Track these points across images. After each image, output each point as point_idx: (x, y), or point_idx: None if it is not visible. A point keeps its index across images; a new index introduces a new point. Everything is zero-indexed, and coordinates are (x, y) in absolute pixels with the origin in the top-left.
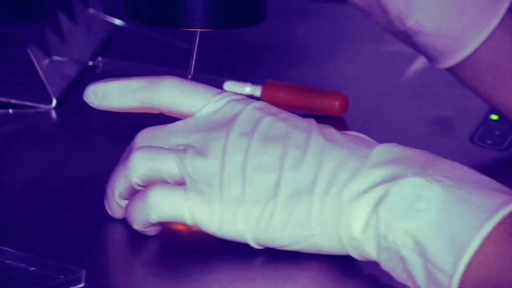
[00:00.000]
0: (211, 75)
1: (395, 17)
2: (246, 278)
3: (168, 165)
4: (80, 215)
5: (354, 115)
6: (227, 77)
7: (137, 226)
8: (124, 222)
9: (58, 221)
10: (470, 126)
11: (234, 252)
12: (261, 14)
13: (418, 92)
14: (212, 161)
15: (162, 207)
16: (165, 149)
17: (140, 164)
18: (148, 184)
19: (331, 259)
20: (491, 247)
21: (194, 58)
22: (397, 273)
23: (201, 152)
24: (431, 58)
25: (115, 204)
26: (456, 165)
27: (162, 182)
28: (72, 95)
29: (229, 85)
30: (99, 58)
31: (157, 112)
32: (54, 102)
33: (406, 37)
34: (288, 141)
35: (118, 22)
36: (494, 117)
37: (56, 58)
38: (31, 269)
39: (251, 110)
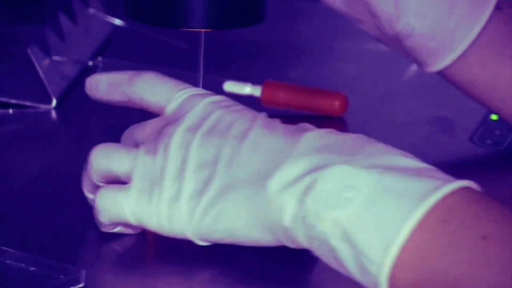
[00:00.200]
0: (211, 75)
1: (385, 20)
2: (247, 277)
3: (121, 163)
4: (80, 215)
5: (354, 115)
6: (227, 77)
7: (103, 229)
8: None
9: (58, 221)
10: (470, 126)
11: (234, 252)
12: (261, 14)
13: (418, 92)
14: (158, 158)
15: (108, 209)
16: (121, 147)
17: (95, 162)
18: (109, 181)
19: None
20: (425, 234)
21: (202, 58)
22: (329, 261)
23: (151, 150)
24: (423, 62)
25: (91, 201)
26: (387, 149)
27: (113, 183)
28: (72, 95)
29: (229, 85)
30: (99, 58)
31: (140, 107)
32: (54, 102)
33: (396, 42)
34: (228, 133)
35: (118, 22)
36: (494, 117)
37: (56, 58)
38: (31, 269)
39: (204, 105)
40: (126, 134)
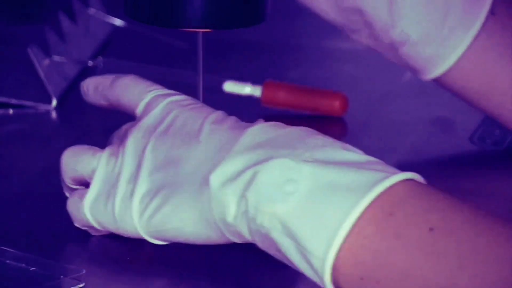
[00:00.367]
0: (211, 75)
1: (380, 29)
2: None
3: (87, 166)
4: None
5: (354, 115)
6: (227, 77)
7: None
8: None
9: (58, 221)
10: (470, 126)
11: (235, 253)
12: (261, 14)
13: (418, 92)
14: (118, 160)
15: (75, 215)
16: (89, 150)
17: (64, 165)
18: (81, 183)
19: None
20: (369, 227)
21: (201, 59)
22: (273, 253)
23: (113, 152)
24: (419, 70)
25: None
26: (329, 142)
27: (86, 184)
28: (72, 95)
29: (229, 85)
30: (99, 58)
31: (120, 110)
32: (54, 102)
33: (391, 51)
34: (180, 133)
35: (118, 22)
36: None
37: (56, 58)
38: (31, 269)
39: (163, 105)
40: (111, 136)
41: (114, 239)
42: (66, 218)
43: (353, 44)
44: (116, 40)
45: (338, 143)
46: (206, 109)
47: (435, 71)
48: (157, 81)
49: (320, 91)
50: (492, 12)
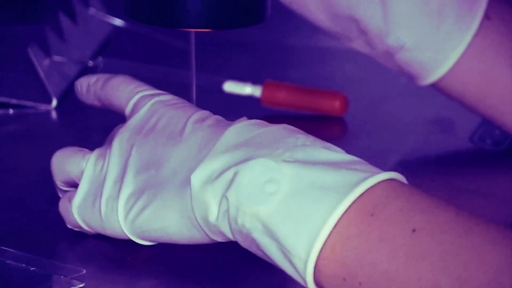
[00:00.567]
0: (211, 75)
1: (375, 36)
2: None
3: (76, 167)
4: None
5: (354, 115)
6: (227, 77)
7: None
8: None
9: (58, 221)
10: (470, 126)
11: (236, 252)
12: (261, 14)
13: (418, 92)
14: (106, 161)
15: (65, 217)
16: (79, 151)
17: (54, 167)
18: (72, 185)
19: None
20: (351, 228)
21: (194, 58)
22: (255, 252)
23: (102, 153)
24: (415, 76)
25: None
26: (309, 141)
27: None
28: (72, 95)
29: (229, 85)
30: (100, 58)
31: (112, 110)
32: (54, 102)
33: (387, 57)
34: (164, 133)
35: (118, 22)
36: None
37: (56, 58)
38: (31, 269)
39: (149, 105)
40: (108, 137)
41: (113, 239)
42: None
43: None
44: (116, 40)
45: (319, 142)
46: (191, 108)
47: (432, 77)
48: (157, 81)
49: (320, 91)
50: (487, 17)
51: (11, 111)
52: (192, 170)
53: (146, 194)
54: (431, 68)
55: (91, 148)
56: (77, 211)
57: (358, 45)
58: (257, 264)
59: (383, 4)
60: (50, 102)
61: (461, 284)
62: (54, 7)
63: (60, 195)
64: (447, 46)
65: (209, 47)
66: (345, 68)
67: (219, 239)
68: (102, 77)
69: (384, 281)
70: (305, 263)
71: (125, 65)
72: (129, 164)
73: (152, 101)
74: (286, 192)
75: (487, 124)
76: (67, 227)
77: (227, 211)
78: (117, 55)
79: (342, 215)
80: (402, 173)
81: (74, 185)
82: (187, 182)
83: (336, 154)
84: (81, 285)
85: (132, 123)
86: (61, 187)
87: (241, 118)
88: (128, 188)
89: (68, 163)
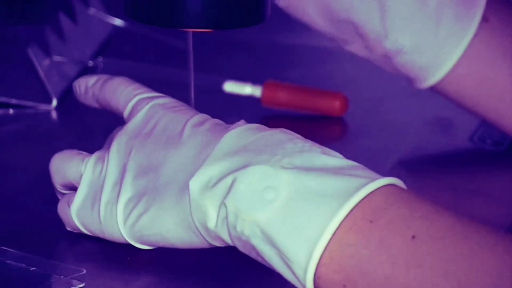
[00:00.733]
0: (211, 75)
1: (373, 40)
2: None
3: (75, 171)
4: None
5: (354, 115)
6: (227, 77)
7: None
8: None
9: (57, 221)
10: (470, 126)
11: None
12: (261, 14)
13: (418, 92)
14: (105, 164)
15: (64, 220)
16: (78, 155)
17: (53, 171)
18: (70, 188)
19: None
20: (351, 235)
21: (192, 58)
22: (254, 257)
23: (101, 157)
24: (414, 79)
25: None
26: (308, 146)
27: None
28: (72, 95)
29: (229, 85)
30: (100, 58)
31: (110, 112)
32: (54, 102)
33: (386, 61)
34: (162, 137)
35: (118, 22)
36: None
37: (56, 58)
38: (31, 269)
39: (147, 108)
40: (106, 140)
41: None
42: None
43: None
44: (116, 40)
45: (317, 147)
46: (190, 111)
47: (430, 80)
48: (157, 81)
49: (320, 91)
50: (485, 19)
51: (11, 111)
52: (190, 175)
53: (145, 199)
54: (430, 71)
55: (92, 148)
56: (76, 214)
57: (356, 48)
58: (257, 265)
59: (381, 8)
60: (50, 102)
61: None
62: (54, 7)
63: (59, 197)
64: (445, 49)
65: (209, 47)
66: (345, 68)
67: (218, 244)
68: (100, 78)
69: (382, 286)
70: (305, 270)
71: (125, 65)
72: (128, 167)
73: (150, 104)
74: (285, 199)
75: (487, 124)
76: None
77: (226, 218)
78: (117, 55)
79: (342, 221)
80: (402, 173)
81: (73, 188)
82: (185, 187)
83: (334, 159)
84: (81, 285)
85: (130, 126)
86: (60, 190)
87: (239, 122)
88: (127, 192)
89: (67, 166)
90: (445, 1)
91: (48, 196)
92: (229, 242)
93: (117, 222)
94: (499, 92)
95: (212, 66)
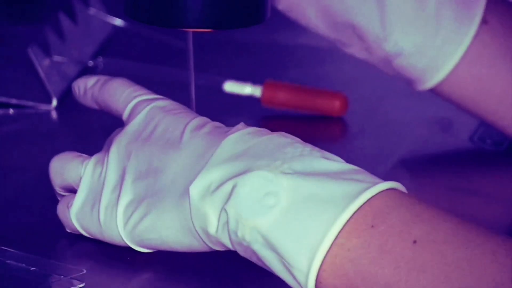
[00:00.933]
0: (211, 75)
1: (373, 42)
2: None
3: (75, 173)
4: None
5: (354, 115)
6: (227, 77)
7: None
8: None
9: (58, 221)
10: (470, 126)
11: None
12: (261, 14)
13: (418, 92)
14: (104, 167)
15: (64, 221)
16: (78, 157)
17: (52, 173)
18: (70, 190)
19: None
20: (352, 240)
21: (192, 58)
22: (255, 262)
23: (100, 159)
24: (414, 81)
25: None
26: (307, 150)
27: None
28: (72, 95)
29: (229, 85)
30: (100, 58)
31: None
32: (54, 102)
33: (386, 63)
34: (161, 140)
35: (118, 22)
36: None
37: (56, 58)
38: (31, 269)
39: (146, 111)
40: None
41: None
42: None
43: None
44: (116, 40)
45: (316, 152)
46: (189, 114)
47: (430, 82)
48: (157, 81)
49: (320, 91)
50: (484, 21)
51: (11, 111)
52: (190, 180)
53: (145, 202)
54: (430, 74)
55: (92, 148)
56: (75, 217)
57: (355, 51)
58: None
59: (381, 10)
60: (50, 102)
61: None
62: (54, 7)
63: (59, 199)
64: (445, 51)
65: (209, 47)
66: (345, 68)
67: (218, 248)
68: (99, 79)
69: None
70: (306, 275)
71: (125, 65)
72: (127, 170)
73: (150, 106)
74: (286, 205)
75: (487, 124)
76: None
77: (227, 223)
78: (117, 55)
79: (343, 227)
80: (402, 173)
81: (73, 190)
82: (185, 192)
83: (334, 163)
84: (81, 285)
85: (129, 129)
86: (59, 192)
87: (238, 125)
88: (126, 196)
89: (66, 169)
90: (444, 3)
91: (48, 196)
92: (230, 247)
93: (117, 226)
94: (499, 93)
95: (212, 66)
